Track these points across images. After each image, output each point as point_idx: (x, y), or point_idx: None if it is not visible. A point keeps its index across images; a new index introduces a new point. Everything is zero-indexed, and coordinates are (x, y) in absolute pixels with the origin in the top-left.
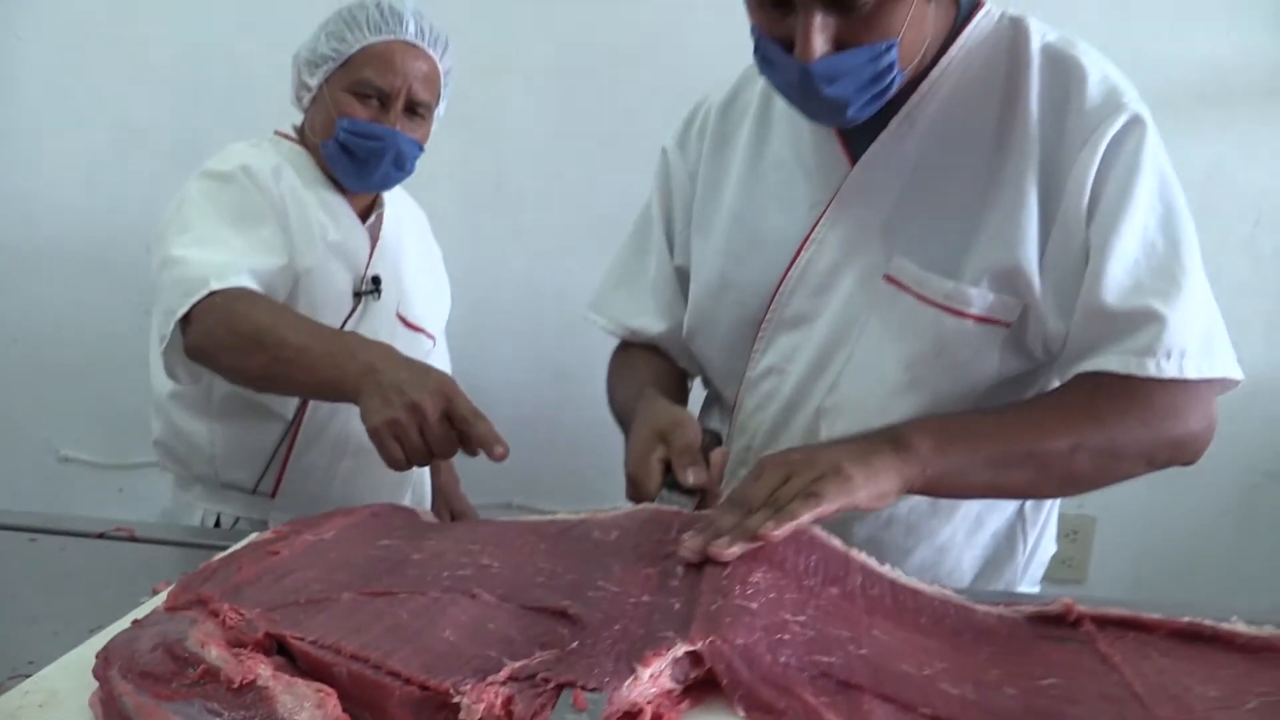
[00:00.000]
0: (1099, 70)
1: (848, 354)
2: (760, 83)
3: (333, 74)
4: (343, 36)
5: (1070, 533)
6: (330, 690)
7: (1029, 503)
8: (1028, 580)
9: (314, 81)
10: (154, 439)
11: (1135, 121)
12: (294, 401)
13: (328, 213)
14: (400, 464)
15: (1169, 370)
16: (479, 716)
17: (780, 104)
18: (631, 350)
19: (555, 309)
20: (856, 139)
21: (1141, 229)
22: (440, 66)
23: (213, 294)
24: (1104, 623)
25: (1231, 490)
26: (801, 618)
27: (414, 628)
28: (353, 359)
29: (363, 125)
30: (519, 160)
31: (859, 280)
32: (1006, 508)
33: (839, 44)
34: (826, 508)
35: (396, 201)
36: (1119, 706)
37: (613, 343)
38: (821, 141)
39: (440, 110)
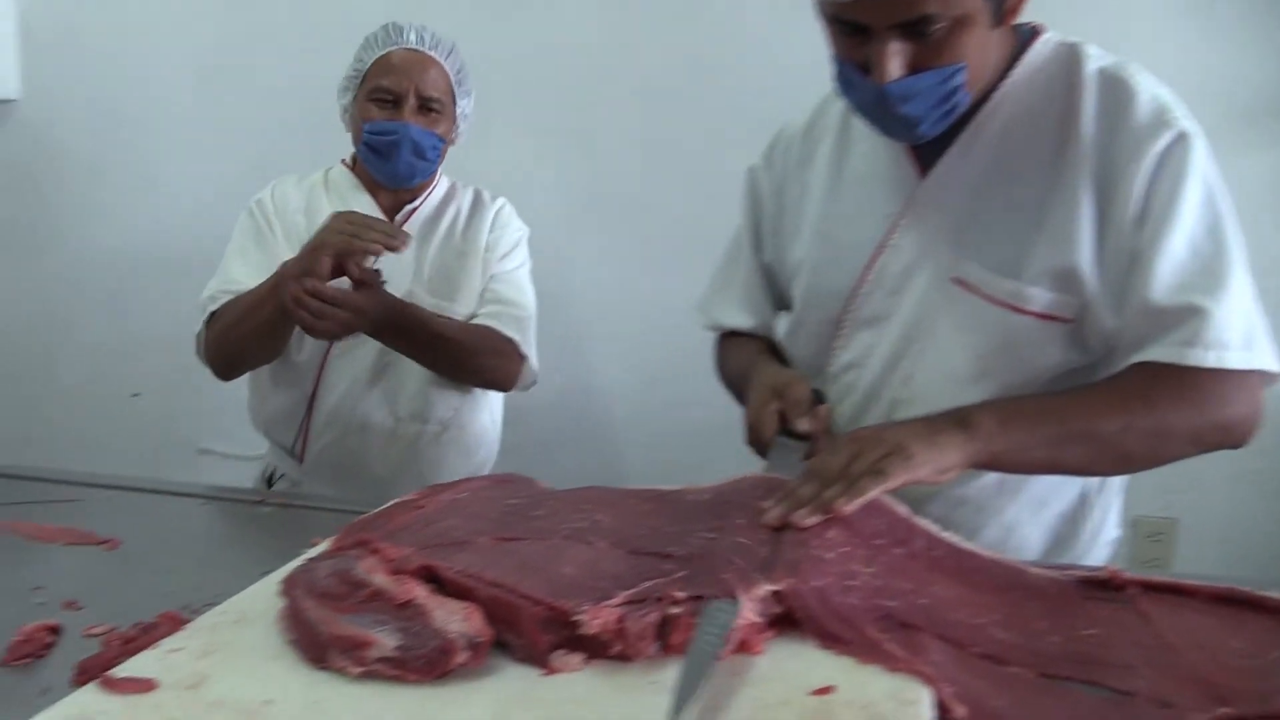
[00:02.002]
0: (1149, 91)
1: (920, 349)
2: (837, 108)
3: (357, 91)
4: (360, 59)
5: (1154, 534)
6: (476, 607)
7: (1092, 484)
8: (1092, 560)
9: (345, 102)
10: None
11: (1181, 137)
12: (313, 376)
13: None
14: (320, 331)
15: (1211, 361)
16: (594, 632)
17: (857, 126)
18: (735, 336)
19: (645, 315)
20: (926, 154)
21: (1189, 234)
22: (447, 67)
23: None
24: (1147, 586)
25: None
26: (870, 569)
27: (539, 564)
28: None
29: (379, 124)
30: (611, 175)
31: (929, 282)
32: (1070, 489)
33: (912, 67)
34: (891, 483)
35: (466, 208)
36: (1150, 653)
37: (702, 348)
38: (895, 157)
39: (466, 109)
